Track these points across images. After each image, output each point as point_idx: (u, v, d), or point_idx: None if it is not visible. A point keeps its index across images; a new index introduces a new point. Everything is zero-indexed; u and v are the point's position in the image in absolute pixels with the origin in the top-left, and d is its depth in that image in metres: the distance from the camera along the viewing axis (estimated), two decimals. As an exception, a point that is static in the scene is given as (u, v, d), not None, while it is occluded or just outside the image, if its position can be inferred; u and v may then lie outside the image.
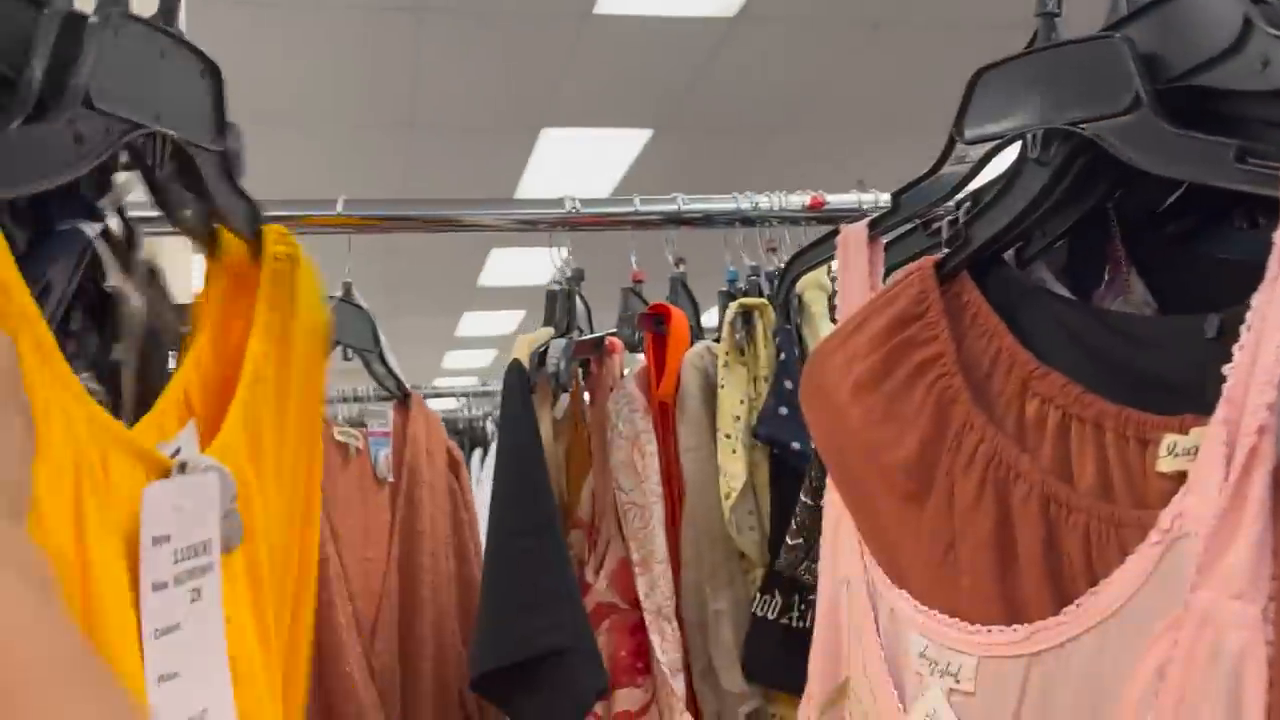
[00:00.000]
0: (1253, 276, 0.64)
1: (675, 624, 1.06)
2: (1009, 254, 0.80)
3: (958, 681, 0.63)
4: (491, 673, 0.98)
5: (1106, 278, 0.78)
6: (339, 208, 1.28)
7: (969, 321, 0.72)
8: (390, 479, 1.30)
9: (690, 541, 1.11)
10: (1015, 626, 0.61)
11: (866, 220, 0.79)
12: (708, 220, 1.40)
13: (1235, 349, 0.51)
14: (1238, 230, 0.73)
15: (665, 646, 1.04)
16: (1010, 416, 0.68)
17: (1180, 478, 0.58)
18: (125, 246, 0.68)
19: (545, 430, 1.17)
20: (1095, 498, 0.63)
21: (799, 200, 1.40)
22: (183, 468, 0.54)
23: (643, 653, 1.07)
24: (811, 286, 1.17)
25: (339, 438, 1.25)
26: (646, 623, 1.05)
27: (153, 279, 0.73)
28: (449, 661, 1.28)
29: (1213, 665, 0.48)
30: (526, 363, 1.07)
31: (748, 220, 1.40)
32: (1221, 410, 0.51)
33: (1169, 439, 0.60)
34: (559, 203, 1.34)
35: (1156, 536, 0.54)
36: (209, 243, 0.71)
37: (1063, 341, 0.72)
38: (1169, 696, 0.51)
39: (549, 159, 4.59)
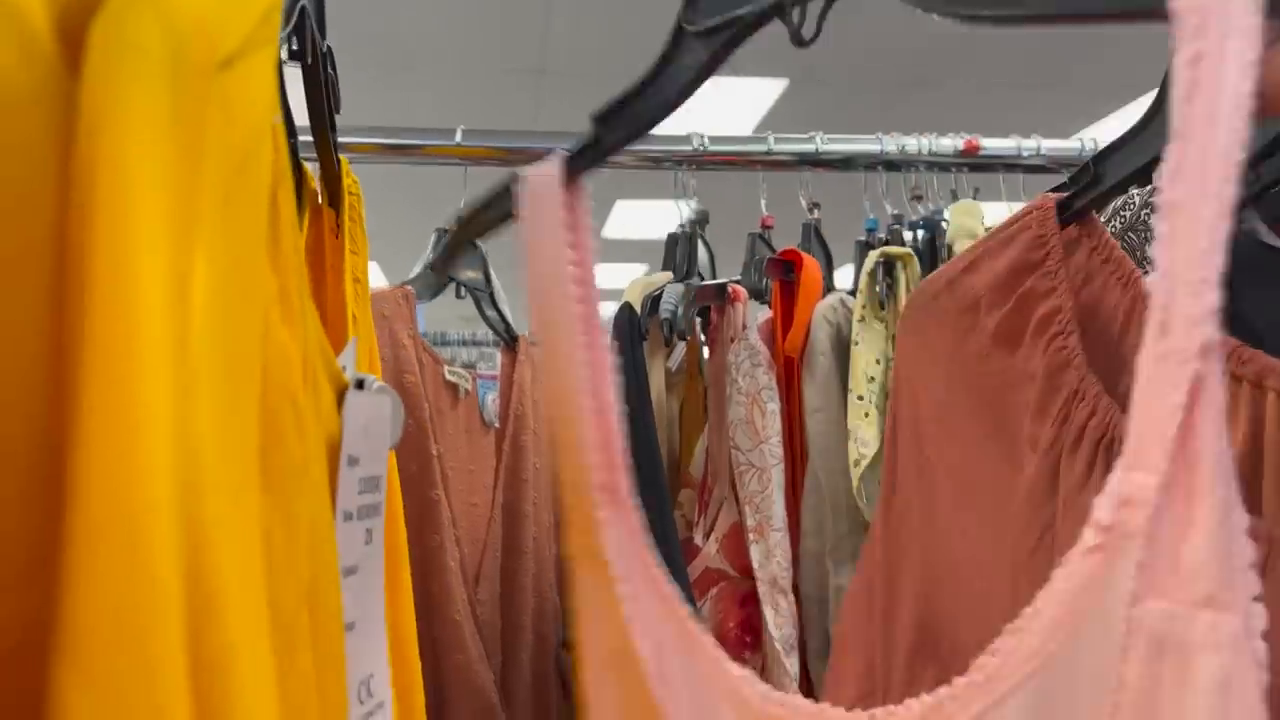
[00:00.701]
0: None
1: (791, 597, 0.98)
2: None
3: None
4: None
5: (1338, 228, 0.65)
6: (458, 137, 1.23)
7: (1099, 268, 0.62)
8: (496, 424, 1.25)
9: (812, 510, 1.02)
10: (893, 709, 0.42)
11: (561, 154, 0.55)
12: (847, 163, 1.29)
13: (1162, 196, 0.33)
14: None
15: (779, 621, 0.96)
16: None
17: None
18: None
19: (656, 381, 1.10)
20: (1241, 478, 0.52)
21: (951, 144, 1.27)
22: (361, 384, 0.45)
23: (752, 626, 0.99)
24: (963, 236, 1.05)
25: (449, 378, 1.20)
26: (759, 594, 0.97)
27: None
28: (548, 617, 1.23)
29: (1185, 715, 0.31)
30: (639, 306, 0.99)
31: (891, 164, 1.28)
32: (1153, 336, 0.33)
33: None
34: (685, 140, 1.25)
35: (1096, 536, 0.35)
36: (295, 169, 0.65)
37: (1262, 297, 0.60)
38: None
39: (681, 109, 4.47)
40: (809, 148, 1.26)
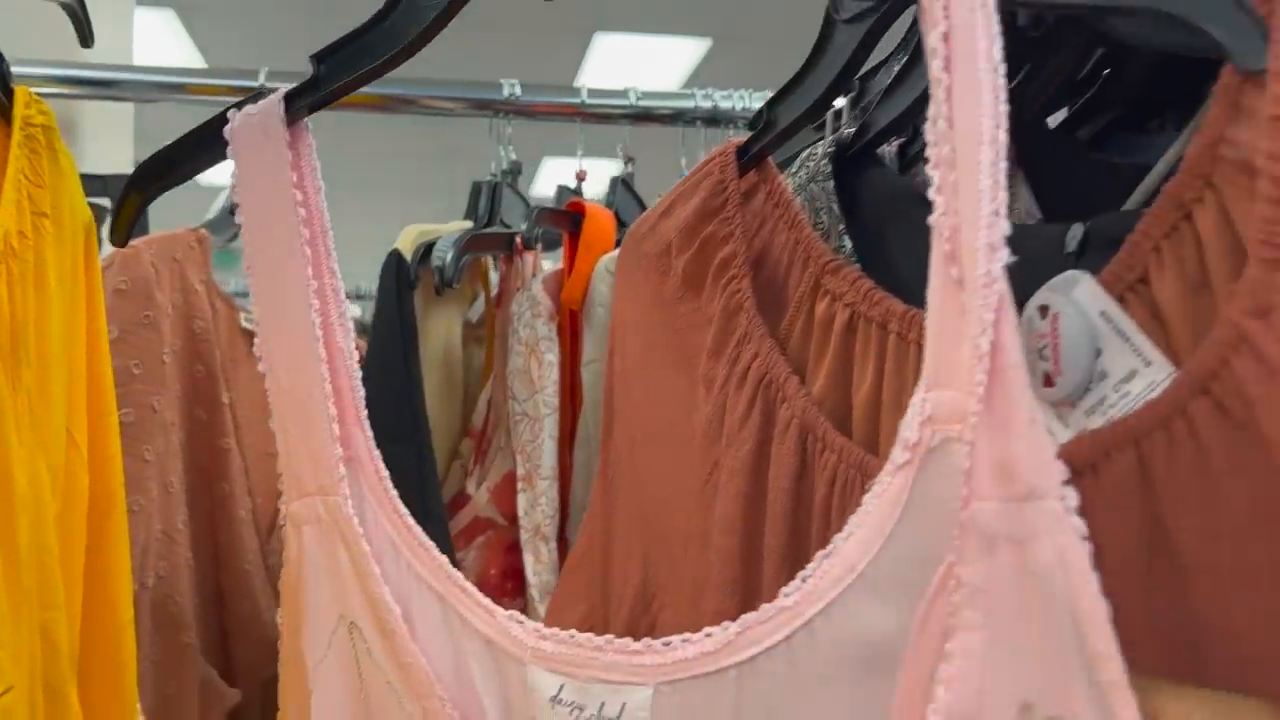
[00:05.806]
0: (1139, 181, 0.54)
1: (554, 546, 0.98)
2: (890, 152, 0.69)
3: None
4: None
5: (994, 183, 0.66)
6: (261, 79, 1.20)
7: (771, 212, 0.64)
8: (298, 372, 1.23)
9: (583, 462, 1.02)
10: (710, 631, 0.44)
11: (281, 92, 0.53)
12: (671, 117, 1.29)
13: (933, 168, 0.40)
14: (1147, 134, 0.61)
15: (538, 568, 0.96)
16: (801, 320, 0.61)
17: None
18: None
19: (444, 332, 1.09)
20: (864, 422, 0.54)
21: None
22: None
23: (514, 573, 1.00)
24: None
25: (245, 325, 1.18)
26: (521, 542, 0.97)
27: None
28: (346, 566, 1.22)
29: (1025, 595, 0.35)
30: (409, 253, 0.98)
31: (711, 120, 1.28)
32: (942, 266, 0.39)
33: None
34: (497, 87, 1.23)
35: (904, 454, 0.40)
36: None
37: (909, 245, 0.61)
38: (969, 658, 0.36)
39: (602, 67, 4.43)
40: (624, 101, 1.25)
